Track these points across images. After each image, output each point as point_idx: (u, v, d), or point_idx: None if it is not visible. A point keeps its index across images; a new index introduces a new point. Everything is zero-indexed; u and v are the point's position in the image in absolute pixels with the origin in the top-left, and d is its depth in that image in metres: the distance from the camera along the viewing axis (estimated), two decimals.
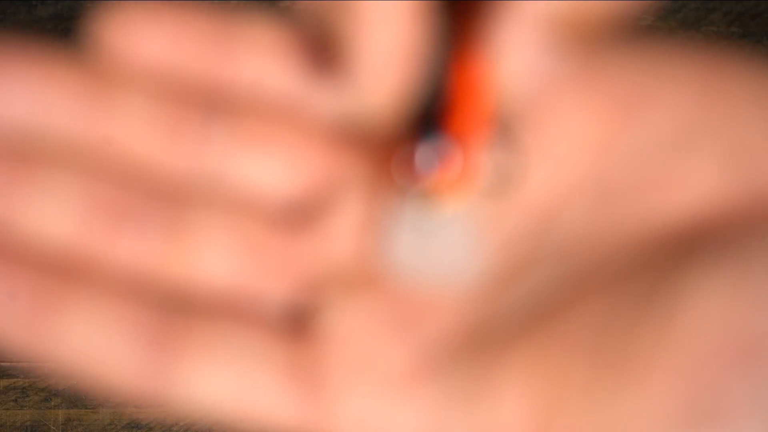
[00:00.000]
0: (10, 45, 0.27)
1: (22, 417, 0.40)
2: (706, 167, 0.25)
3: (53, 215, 0.26)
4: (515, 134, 0.27)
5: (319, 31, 0.25)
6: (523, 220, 0.27)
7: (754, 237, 0.24)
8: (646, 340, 0.23)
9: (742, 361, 0.22)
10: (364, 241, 0.27)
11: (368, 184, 0.27)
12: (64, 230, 0.26)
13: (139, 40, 0.27)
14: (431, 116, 0.24)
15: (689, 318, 0.23)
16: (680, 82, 0.26)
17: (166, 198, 0.27)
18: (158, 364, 0.26)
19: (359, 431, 0.26)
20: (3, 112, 0.26)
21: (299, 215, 0.28)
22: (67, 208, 0.26)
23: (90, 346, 0.26)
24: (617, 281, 0.25)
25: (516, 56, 0.23)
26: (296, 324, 0.27)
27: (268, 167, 0.28)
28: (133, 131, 0.27)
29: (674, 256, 0.24)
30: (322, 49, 0.28)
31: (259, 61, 0.28)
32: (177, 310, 0.27)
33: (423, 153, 0.24)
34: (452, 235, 0.26)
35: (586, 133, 0.27)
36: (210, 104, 0.28)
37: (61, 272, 0.26)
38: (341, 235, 0.27)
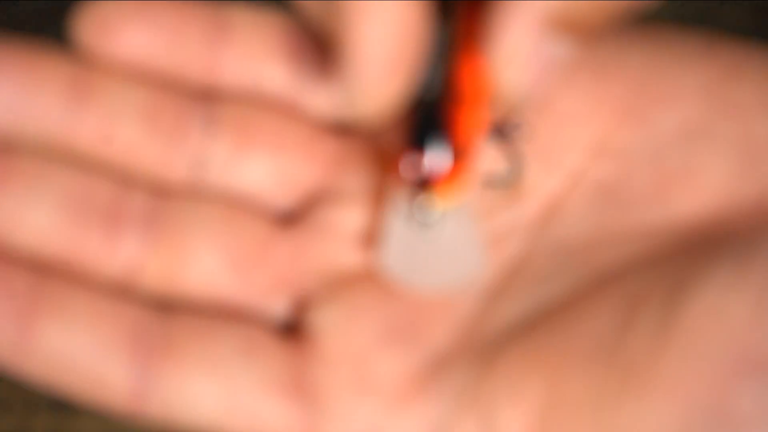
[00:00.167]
0: None
1: (7, 426, 0.39)
2: (713, 167, 0.25)
3: (35, 218, 0.25)
4: (515, 133, 0.26)
5: (316, 29, 0.24)
6: (523, 219, 0.26)
7: (760, 236, 0.23)
8: (646, 347, 0.23)
9: (746, 367, 0.22)
10: (363, 244, 0.27)
11: (367, 186, 0.27)
12: (46, 234, 0.26)
13: (126, 38, 0.26)
14: (431, 117, 0.24)
15: (692, 322, 0.22)
16: (688, 81, 0.26)
17: (156, 201, 0.27)
18: (145, 374, 0.25)
19: None
20: None
21: (297, 219, 0.27)
22: (49, 211, 0.26)
23: (73, 356, 0.25)
24: (619, 282, 0.24)
25: (516, 51, 0.22)
26: (291, 333, 0.27)
27: (263, 169, 0.27)
28: (120, 133, 0.26)
29: (679, 256, 0.24)
30: (319, 47, 0.27)
31: (253, 59, 0.27)
32: (166, 318, 0.26)
33: (422, 155, 0.24)
34: (452, 238, 0.26)
35: (588, 132, 0.26)
36: (203, 104, 0.27)
37: (43, 278, 0.25)
38: (339, 239, 0.27)
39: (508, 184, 0.27)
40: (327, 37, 0.23)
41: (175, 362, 0.25)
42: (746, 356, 0.22)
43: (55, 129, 0.26)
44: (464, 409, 0.25)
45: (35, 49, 0.26)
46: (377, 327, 0.26)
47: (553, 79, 0.23)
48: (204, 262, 0.26)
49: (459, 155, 0.24)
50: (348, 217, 0.27)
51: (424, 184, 0.24)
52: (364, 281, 0.26)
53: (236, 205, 0.27)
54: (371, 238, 0.27)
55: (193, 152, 0.27)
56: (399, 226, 0.26)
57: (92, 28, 0.26)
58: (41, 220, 0.25)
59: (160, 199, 0.27)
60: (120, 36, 0.26)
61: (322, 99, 0.28)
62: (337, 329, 0.26)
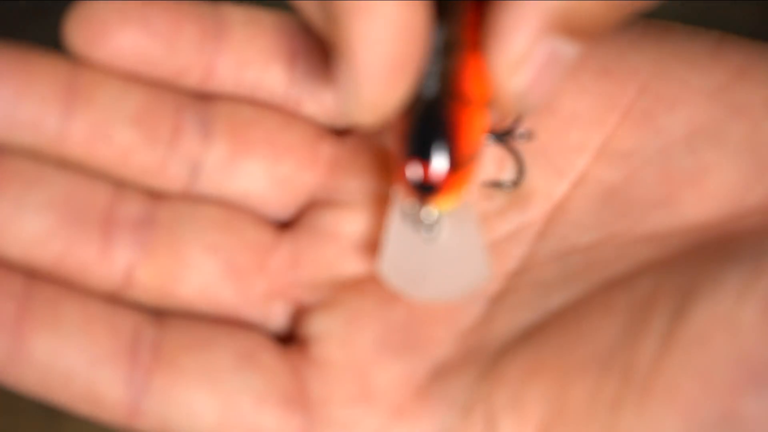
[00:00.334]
0: None
1: None
2: (721, 170, 0.25)
3: (28, 224, 0.25)
4: (519, 136, 0.26)
5: (315, 30, 0.24)
6: (527, 224, 0.26)
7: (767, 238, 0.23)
8: (650, 355, 0.22)
9: (756, 376, 0.21)
10: (363, 250, 0.26)
11: (367, 190, 0.27)
12: (39, 240, 0.25)
13: (119, 39, 0.26)
14: (431, 120, 0.23)
15: (699, 330, 0.22)
16: (696, 82, 0.26)
17: (152, 207, 0.26)
18: (141, 385, 0.25)
19: None
20: None
21: (295, 224, 0.27)
22: (43, 217, 0.25)
23: (66, 367, 0.24)
24: (624, 288, 0.24)
25: (521, 55, 0.22)
26: (289, 341, 0.26)
27: (261, 174, 0.27)
28: (115, 137, 0.26)
29: (687, 262, 0.24)
30: (317, 49, 0.27)
31: (250, 61, 0.27)
32: (161, 327, 0.25)
33: (422, 159, 0.23)
34: (454, 244, 0.25)
35: (594, 134, 0.26)
36: (199, 107, 0.27)
37: (36, 286, 0.25)
38: (338, 245, 0.26)
39: (512, 187, 0.26)
40: (325, 38, 0.23)
41: (171, 373, 0.25)
42: (756, 365, 0.21)
43: (48, 133, 0.25)
44: (467, 419, 0.24)
45: (29, 52, 0.25)
46: (377, 335, 0.26)
47: (557, 82, 0.22)
48: (200, 270, 0.26)
49: (460, 159, 0.23)
50: (347, 223, 0.26)
51: (425, 189, 0.24)
52: (364, 288, 0.26)
53: (233, 210, 0.27)
54: (371, 243, 0.26)
55: (189, 157, 0.26)
56: (399, 232, 0.25)
57: (84, 30, 0.26)
58: (34, 225, 0.25)
59: (156, 204, 0.26)
60: (113, 37, 0.26)
61: (320, 101, 0.27)
62: (337, 338, 0.26)
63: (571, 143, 0.26)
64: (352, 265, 0.26)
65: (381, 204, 0.26)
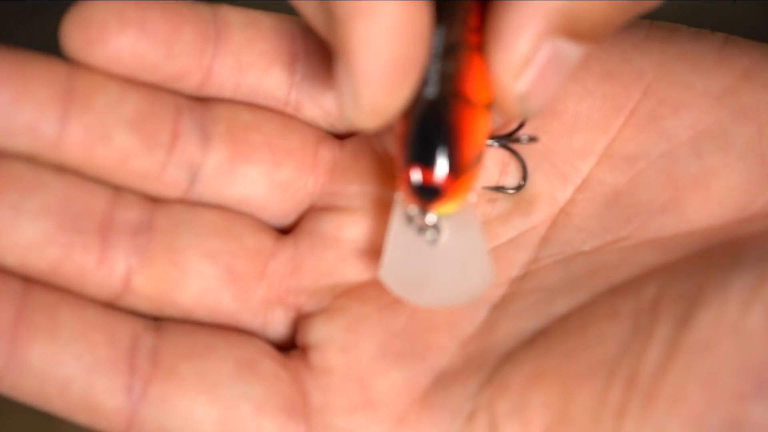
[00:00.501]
0: None
1: None
2: (727, 174, 0.25)
3: (26, 229, 0.25)
4: (522, 139, 0.26)
5: (317, 32, 0.24)
6: (530, 229, 0.26)
7: None
8: (654, 361, 0.22)
9: (763, 384, 0.21)
10: (364, 255, 0.26)
11: (368, 195, 0.26)
12: (36, 245, 0.25)
13: (116, 42, 0.25)
14: (432, 123, 0.23)
15: (705, 336, 0.22)
16: (701, 85, 0.25)
17: (150, 213, 0.26)
18: (140, 394, 0.24)
19: None
20: None
21: (295, 229, 0.27)
22: (40, 222, 0.25)
23: (64, 376, 0.24)
24: (629, 294, 0.24)
25: (524, 57, 0.22)
26: (290, 348, 0.26)
27: (260, 178, 0.26)
28: (113, 142, 0.25)
29: (693, 268, 0.23)
30: (317, 51, 0.27)
31: (249, 64, 0.27)
32: (160, 335, 0.25)
33: (424, 163, 0.23)
34: (457, 249, 0.25)
35: (599, 138, 0.26)
36: (198, 111, 0.27)
37: (33, 292, 0.25)
38: (339, 250, 0.26)
39: (515, 192, 0.26)
40: (326, 39, 0.23)
41: (169, 381, 0.25)
42: (762, 372, 0.21)
43: (46, 138, 0.25)
44: (469, 427, 0.24)
45: (26, 55, 0.25)
46: (379, 342, 0.25)
47: (561, 85, 0.22)
48: (199, 276, 0.26)
49: (463, 162, 0.23)
50: (348, 228, 0.26)
51: (427, 193, 0.23)
52: (365, 294, 0.26)
53: (232, 215, 0.26)
54: (372, 249, 0.26)
55: (188, 161, 0.26)
56: (401, 237, 0.25)
57: (81, 32, 0.25)
58: (32, 231, 0.25)
59: (154, 210, 0.26)
60: (110, 40, 0.25)
61: (320, 105, 0.27)
62: (338, 345, 0.25)
63: (574, 147, 0.26)
64: (353, 271, 0.26)
65: (382, 209, 0.26)
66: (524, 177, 0.26)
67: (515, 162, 0.26)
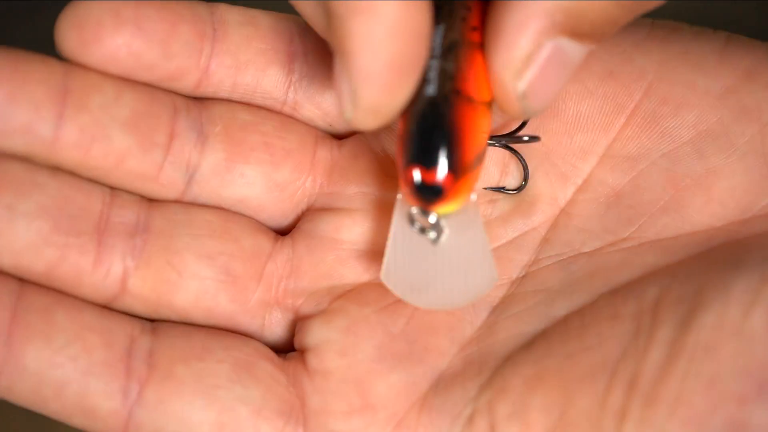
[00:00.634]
0: None
1: None
2: (730, 174, 0.25)
3: (21, 229, 0.25)
4: (523, 139, 0.26)
5: (315, 32, 0.24)
6: (531, 230, 0.26)
7: None
8: (655, 364, 0.22)
9: (759, 384, 0.21)
10: (363, 256, 0.26)
11: (368, 195, 0.26)
12: (32, 246, 0.25)
13: (112, 41, 0.25)
14: (433, 122, 0.23)
15: (707, 338, 0.22)
16: (703, 85, 0.25)
17: (147, 214, 0.26)
18: (136, 398, 0.24)
19: None
20: None
21: (293, 230, 0.27)
22: (36, 223, 0.25)
23: (60, 379, 0.24)
24: (629, 296, 0.24)
25: (526, 56, 0.22)
26: (288, 351, 0.26)
27: (258, 179, 0.26)
28: (109, 143, 0.25)
29: (694, 269, 0.23)
30: (316, 51, 0.27)
31: (247, 63, 0.26)
32: (157, 337, 0.25)
33: (425, 162, 0.23)
34: (459, 249, 0.25)
35: (600, 138, 0.26)
36: (195, 111, 0.26)
37: (29, 294, 0.25)
38: (338, 252, 0.26)
39: (516, 192, 0.26)
40: (325, 38, 0.22)
41: (166, 384, 0.24)
42: (765, 375, 0.21)
43: (42, 138, 0.25)
44: (469, 430, 0.24)
45: (22, 55, 0.25)
46: (378, 345, 0.25)
47: (561, 84, 0.22)
48: (196, 278, 0.26)
49: (464, 162, 0.23)
50: (346, 229, 0.26)
51: (429, 193, 0.23)
52: (364, 296, 0.26)
53: (229, 216, 0.26)
54: (371, 250, 0.26)
55: (185, 162, 0.26)
56: (402, 238, 0.25)
57: (77, 31, 0.25)
58: (27, 232, 0.25)
59: (151, 211, 0.26)
60: (106, 39, 0.25)
61: (318, 104, 0.27)
62: (336, 347, 0.25)
63: (575, 147, 0.26)
64: (352, 273, 0.26)
65: (381, 209, 0.26)
66: (525, 177, 0.26)
67: (515, 162, 0.26)
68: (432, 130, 0.23)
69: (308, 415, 0.25)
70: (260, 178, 0.26)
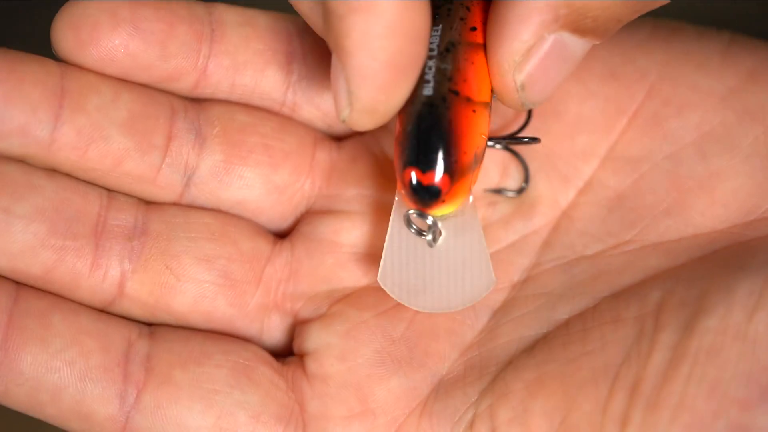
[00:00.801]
0: None
1: None
2: (733, 176, 0.24)
3: (18, 231, 0.24)
4: (524, 140, 0.25)
5: (314, 32, 0.24)
6: (532, 232, 0.26)
7: None
8: (658, 368, 0.22)
9: (763, 389, 0.21)
10: (362, 259, 0.26)
11: (366, 198, 0.26)
12: (29, 249, 0.25)
13: (109, 42, 0.25)
14: (431, 121, 0.23)
15: (710, 342, 0.21)
16: (706, 86, 0.25)
17: (145, 216, 0.26)
18: (133, 403, 0.24)
19: None
20: None
21: (291, 233, 0.27)
22: (33, 225, 0.25)
23: (56, 384, 0.24)
24: (632, 300, 0.23)
25: (527, 50, 0.22)
26: (286, 355, 0.26)
27: (256, 182, 0.26)
28: (107, 145, 0.25)
29: (697, 273, 0.23)
30: (314, 51, 0.26)
31: (245, 64, 0.26)
32: (154, 342, 0.25)
33: (423, 163, 0.23)
34: (457, 251, 0.25)
35: (602, 140, 0.26)
36: (193, 113, 0.26)
37: (25, 297, 0.24)
38: (336, 255, 0.26)
39: (517, 195, 0.26)
40: (323, 37, 0.22)
41: (163, 389, 0.24)
42: (763, 378, 0.21)
43: (38, 140, 0.25)
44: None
45: (18, 56, 0.25)
46: (377, 350, 0.25)
47: (561, 77, 0.22)
48: (194, 281, 0.25)
49: (463, 163, 0.23)
50: (345, 232, 0.26)
51: (427, 195, 0.23)
52: (364, 300, 0.26)
53: (228, 219, 0.26)
54: (370, 253, 0.26)
55: (183, 164, 0.26)
56: (400, 240, 0.25)
57: (73, 31, 0.25)
58: (24, 235, 0.24)
59: (149, 213, 0.26)
60: (103, 40, 0.25)
61: (317, 106, 0.27)
62: (335, 352, 0.25)
63: (577, 149, 0.26)
64: (351, 276, 0.26)
65: (380, 212, 0.26)
66: (526, 179, 0.26)
67: (516, 165, 0.26)
68: (429, 131, 0.23)
69: (307, 420, 0.25)
70: (259, 180, 0.26)
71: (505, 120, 0.26)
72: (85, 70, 0.25)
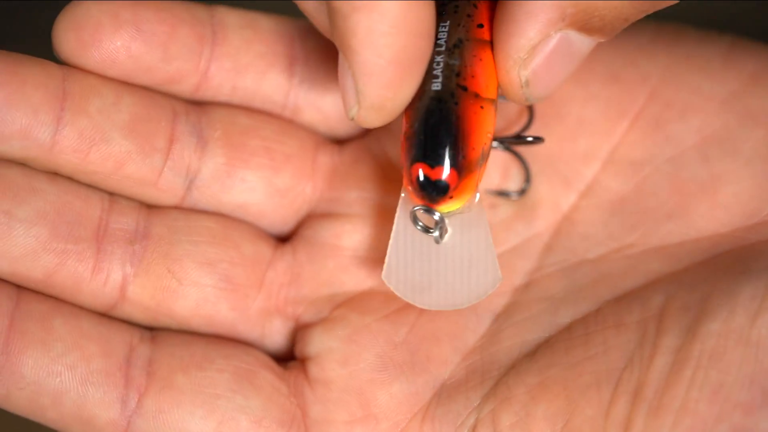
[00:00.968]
0: None
1: None
2: (736, 180, 0.24)
3: (20, 235, 0.24)
4: (527, 141, 0.25)
5: (318, 31, 0.23)
6: (534, 236, 0.26)
7: None
8: (660, 372, 0.22)
9: (766, 392, 0.21)
10: (364, 262, 0.26)
11: (369, 199, 0.26)
12: (30, 252, 0.24)
13: (110, 44, 0.25)
14: (436, 120, 0.23)
15: (713, 346, 0.21)
16: (708, 89, 0.25)
17: (146, 220, 0.26)
18: (135, 408, 0.24)
19: None
20: None
21: (293, 236, 0.27)
22: (35, 228, 0.24)
23: (57, 388, 0.24)
24: (634, 303, 0.23)
25: (533, 46, 0.22)
26: (288, 359, 0.26)
27: (258, 185, 0.26)
28: (108, 148, 0.25)
29: (700, 277, 0.23)
30: (317, 53, 0.26)
31: (247, 66, 0.26)
32: (156, 346, 0.25)
33: (427, 161, 0.23)
34: (462, 249, 0.24)
35: (604, 143, 0.26)
36: (195, 116, 0.26)
37: (26, 301, 0.24)
38: (339, 258, 0.26)
39: (518, 197, 0.26)
40: (328, 36, 0.22)
41: (165, 393, 0.24)
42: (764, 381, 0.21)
43: (40, 143, 0.25)
44: None
45: (20, 58, 0.25)
46: (379, 354, 0.25)
47: (566, 74, 0.22)
48: (196, 286, 0.25)
49: (470, 159, 0.23)
50: (347, 235, 0.26)
51: (433, 191, 0.23)
52: (366, 303, 0.26)
53: (230, 223, 0.26)
54: (372, 256, 0.26)
55: (185, 167, 0.26)
56: (405, 237, 0.24)
57: (75, 33, 0.25)
58: (25, 239, 0.24)
59: (150, 217, 0.26)
60: (105, 42, 0.25)
61: (319, 109, 0.27)
62: (337, 356, 0.25)
63: (578, 151, 0.26)
64: (353, 280, 0.26)
65: (382, 215, 0.26)
66: (527, 179, 0.26)
67: (517, 167, 0.26)
68: (438, 126, 0.23)
69: (309, 425, 0.25)
70: (261, 184, 0.26)
71: (507, 121, 0.26)
72: (87, 72, 0.25)
